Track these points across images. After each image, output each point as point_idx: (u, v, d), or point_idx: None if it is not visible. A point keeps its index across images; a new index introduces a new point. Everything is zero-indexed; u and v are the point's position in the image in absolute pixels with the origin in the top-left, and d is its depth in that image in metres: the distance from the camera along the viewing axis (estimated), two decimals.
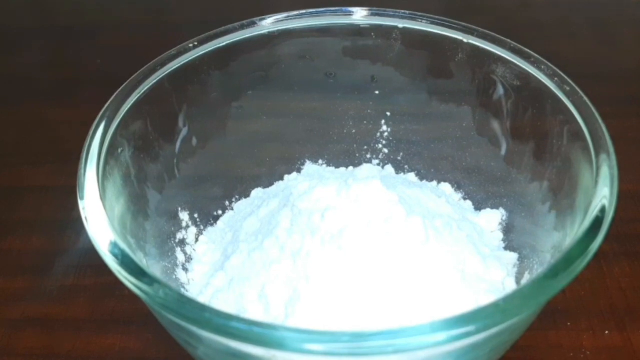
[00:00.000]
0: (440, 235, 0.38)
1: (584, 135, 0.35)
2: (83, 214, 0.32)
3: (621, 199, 0.32)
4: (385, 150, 0.47)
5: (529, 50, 0.40)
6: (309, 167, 0.47)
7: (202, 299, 0.38)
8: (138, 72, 0.39)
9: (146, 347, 0.41)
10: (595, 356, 0.40)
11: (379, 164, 0.47)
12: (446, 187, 0.46)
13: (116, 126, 0.36)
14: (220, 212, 0.45)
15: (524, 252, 0.40)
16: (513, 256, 0.40)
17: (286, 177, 0.47)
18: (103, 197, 0.33)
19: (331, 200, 0.37)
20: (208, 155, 0.44)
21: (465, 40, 0.42)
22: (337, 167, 0.48)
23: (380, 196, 0.37)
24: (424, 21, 0.43)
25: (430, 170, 0.46)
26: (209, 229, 0.44)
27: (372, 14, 0.44)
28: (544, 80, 0.38)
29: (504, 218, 0.43)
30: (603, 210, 0.31)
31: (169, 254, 0.40)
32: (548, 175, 0.39)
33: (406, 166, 0.47)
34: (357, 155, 0.47)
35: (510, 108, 0.41)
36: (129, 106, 0.37)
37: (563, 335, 0.41)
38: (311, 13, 0.44)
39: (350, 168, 0.47)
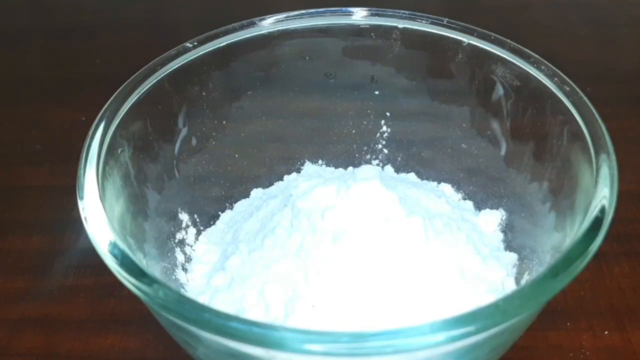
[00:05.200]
0: (440, 235, 0.38)
1: (584, 135, 0.35)
2: (82, 214, 0.32)
3: (621, 199, 0.32)
4: (385, 151, 0.47)
5: (528, 51, 0.40)
6: (308, 167, 0.47)
7: (202, 299, 0.38)
8: (138, 72, 0.39)
9: (146, 347, 0.41)
10: (595, 356, 0.40)
11: (378, 164, 0.47)
12: (446, 187, 0.46)
13: (116, 126, 0.36)
14: (219, 212, 0.45)
15: (523, 252, 0.40)
16: (513, 256, 0.40)
17: (286, 177, 0.47)
18: (102, 197, 0.33)
19: (331, 200, 0.37)
20: (207, 156, 0.44)
21: (465, 41, 0.42)
22: (336, 167, 0.48)
23: (380, 196, 0.37)
24: (423, 21, 0.43)
25: (430, 170, 0.46)
26: (209, 229, 0.44)
27: (372, 14, 0.44)
28: (543, 81, 0.38)
29: (504, 218, 0.43)
30: (603, 210, 0.31)
31: (169, 254, 0.40)
32: (548, 176, 0.39)
33: (406, 166, 0.47)
34: (357, 155, 0.47)
35: (510, 108, 0.41)
36: (128, 106, 0.37)
37: (563, 335, 0.41)
38: (311, 13, 0.44)
39: (350, 168, 0.47)
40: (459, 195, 0.45)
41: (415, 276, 0.35)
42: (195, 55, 0.41)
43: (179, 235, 0.42)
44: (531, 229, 0.40)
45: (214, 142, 0.44)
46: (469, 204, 0.45)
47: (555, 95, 0.37)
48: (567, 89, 0.37)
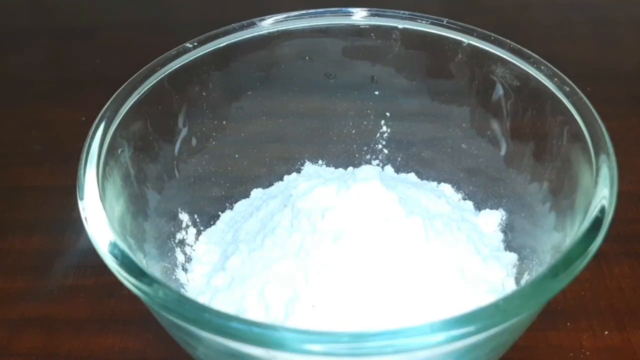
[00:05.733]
0: (440, 235, 0.38)
1: (584, 135, 0.35)
2: (83, 214, 0.32)
3: (621, 199, 0.32)
4: (385, 151, 0.47)
5: (528, 51, 0.40)
6: (308, 167, 0.47)
7: (202, 299, 0.38)
8: (138, 73, 0.39)
9: (146, 347, 0.41)
10: (595, 356, 0.40)
11: (378, 164, 0.47)
12: (446, 187, 0.46)
13: (116, 127, 0.36)
14: (219, 212, 0.45)
15: (523, 252, 0.40)
16: (513, 256, 0.40)
17: (286, 177, 0.47)
18: (103, 197, 0.33)
19: (331, 201, 0.37)
20: (207, 156, 0.44)
21: (465, 41, 0.42)
22: (336, 167, 0.48)
23: (380, 196, 0.37)
24: (423, 22, 0.43)
25: (430, 170, 0.46)
26: (209, 229, 0.44)
27: (372, 15, 0.44)
28: (543, 81, 0.38)
29: (504, 218, 0.43)
30: (602, 210, 0.31)
31: (169, 254, 0.40)
32: (548, 176, 0.39)
33: (406, 166, 0.47)
34: (357, 155, 0.48)
35: (510, 108, 0.41)
36: (128, 107, 0.37)
37: (563, 335, 0.41)
38: (311, 13, 0.44)
39: (350, 168, 0.47)
40: (459, 195, 0.45)
41: (415, 276, 0.35)
42: (195, 56, 0.41)
43: (179, 235, 0.42)
44: (531, 229, 0.40)
45: (214, 142, 0.44)
46: (469, 204, 0.45)
47: (555, 96, 0.37)
48: (567, 89, 0.37)
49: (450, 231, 0.39)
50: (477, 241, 0.40)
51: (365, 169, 0.41)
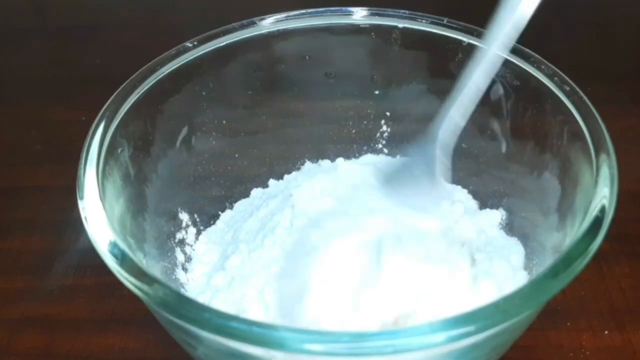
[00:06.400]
0: (440, 235, 0.38)
1: (584, 135, 0.35)
2: (83, 214, 0.32)
3: (621, 199, 0.32)
4: (385, 151, 0.47)
5: (529, 50, 0.40)
6: (308, 166, 0.47)
7: (202, 299, 0.38)
8: (138, 72, 0.39)
9: (146, 347, 0.41)
10: (595, 356, 0.40)
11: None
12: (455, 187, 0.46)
13: (116, 126, 0.36)
14: (219, 212, 0.45)
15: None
16: (519, 250, 0.40)
17: (286, 176, 0.47)
18: (102, 197, 0.33)
19: (331, 200, 0.37)
20: (207, 155, 0.44)
21: (465, 40, 0.42)
22: None
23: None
24: (423, 21, 0.43)
25: None
26: (209, 229, 0.44)
27: (372, 14, 0.44)
28: (543, 80, 0.38)
29: (504, 218, 0.43)
30: (603, 210, 0.31)
31: (169, 254, 0.40)
32: (548, 175, 0.39)
33: None
34: (357, 155, 0.48)
35: (510, 108, 0.41)
36: (128, 106, 0.37)
37: (563, 335, 0.41)
38: (311, 13, 0.44)
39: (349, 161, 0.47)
40: (464, 191, 0.45)
41: (415, 276, 0.35)
42: (195, 55, 0.41)
43: (179, 235, 0.42)
44: (531, 229, 0.40)
45: (214, 142, 0.44)
46: (472, 203, 0.45)
47: (555, 95, 0.37)
48: (567, 88, 0.37)
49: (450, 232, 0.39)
50: (476, 242, 0.40)
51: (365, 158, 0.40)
